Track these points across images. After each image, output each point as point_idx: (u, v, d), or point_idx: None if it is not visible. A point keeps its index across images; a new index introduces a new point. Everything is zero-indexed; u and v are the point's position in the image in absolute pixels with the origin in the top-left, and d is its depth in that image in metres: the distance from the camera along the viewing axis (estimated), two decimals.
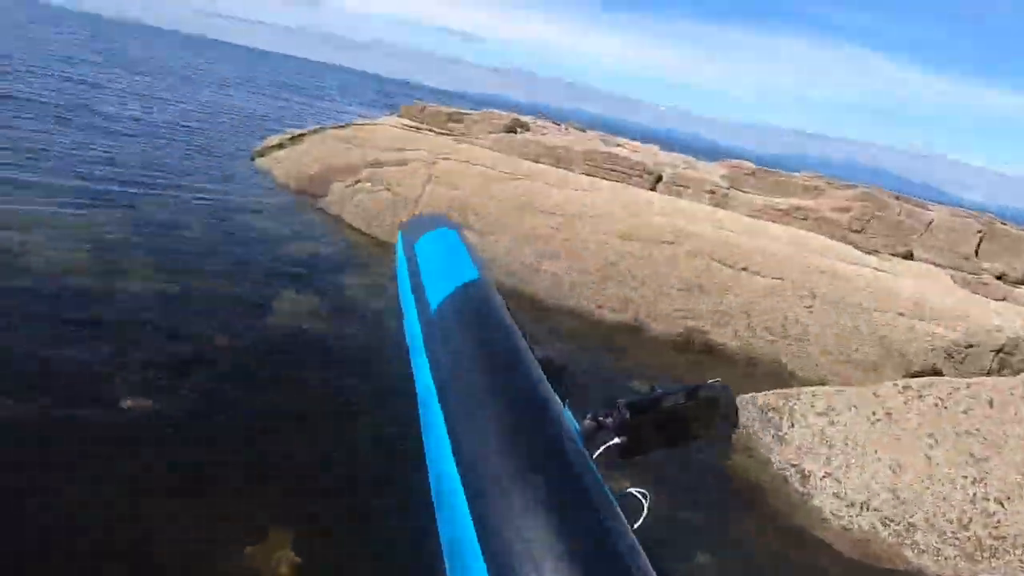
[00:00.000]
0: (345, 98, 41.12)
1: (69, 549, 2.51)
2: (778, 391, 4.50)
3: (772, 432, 4.23)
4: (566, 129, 14.46)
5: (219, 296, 5.17)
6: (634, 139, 14.88)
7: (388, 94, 58.99)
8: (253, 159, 11.22)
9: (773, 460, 4.11)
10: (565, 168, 9.84)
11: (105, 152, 9.43)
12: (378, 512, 3.06)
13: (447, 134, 11.92)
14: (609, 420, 1.02)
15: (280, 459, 3.37)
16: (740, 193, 9.70)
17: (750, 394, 4.52)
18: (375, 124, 12.49)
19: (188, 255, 5.89)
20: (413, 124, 12.46)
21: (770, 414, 4.32)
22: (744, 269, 6.77)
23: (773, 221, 8.81)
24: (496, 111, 14.77)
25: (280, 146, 11.39)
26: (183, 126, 13.75)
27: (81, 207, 6.52)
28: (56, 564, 2.44)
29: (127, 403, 3.54)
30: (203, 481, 3.07)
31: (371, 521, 3.01)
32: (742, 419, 4.48)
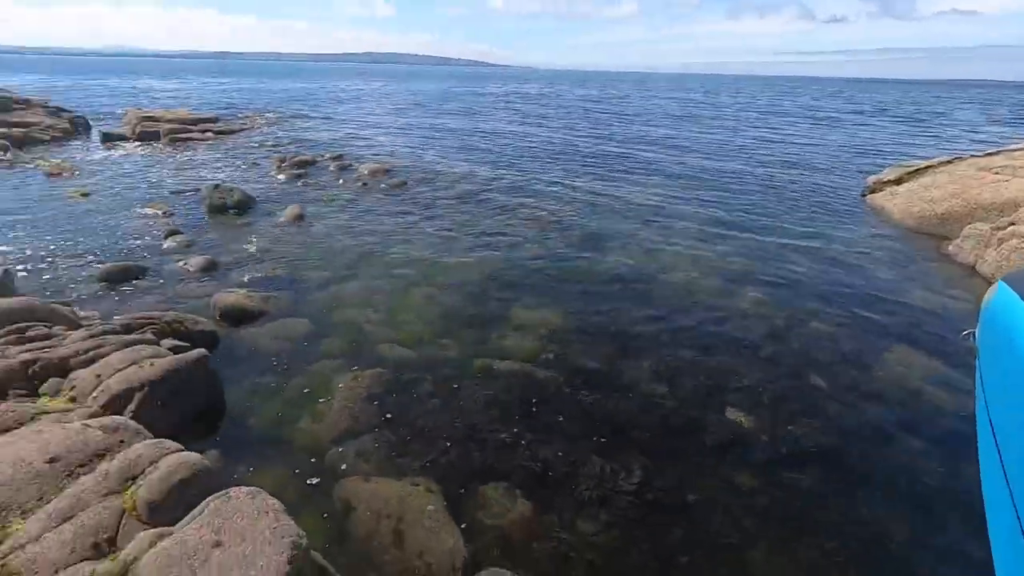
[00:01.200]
0: (971, 119, 32.51)
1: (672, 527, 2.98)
2: None
3: None
4: None
5: (820, 334, 5.09)
6: None
7: None
8: (864, 195, 10.54)
9: None
10: None
11: (717, 199, 11.01)
12: None
13: None
14: None
15: (874, 538, 2.97)
16: None
17: None
18: None
19: (793, 291, 6.08)
20: None
21: None
22: None
23: None
24: None
25: (898, 181, 10.26)
26: (780, 166, 14.42)
27: (709, 241, 7.79)
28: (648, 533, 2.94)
29: (731, 414, 3.95)
30: (788, 518, 3.05)
31: None
32: None
